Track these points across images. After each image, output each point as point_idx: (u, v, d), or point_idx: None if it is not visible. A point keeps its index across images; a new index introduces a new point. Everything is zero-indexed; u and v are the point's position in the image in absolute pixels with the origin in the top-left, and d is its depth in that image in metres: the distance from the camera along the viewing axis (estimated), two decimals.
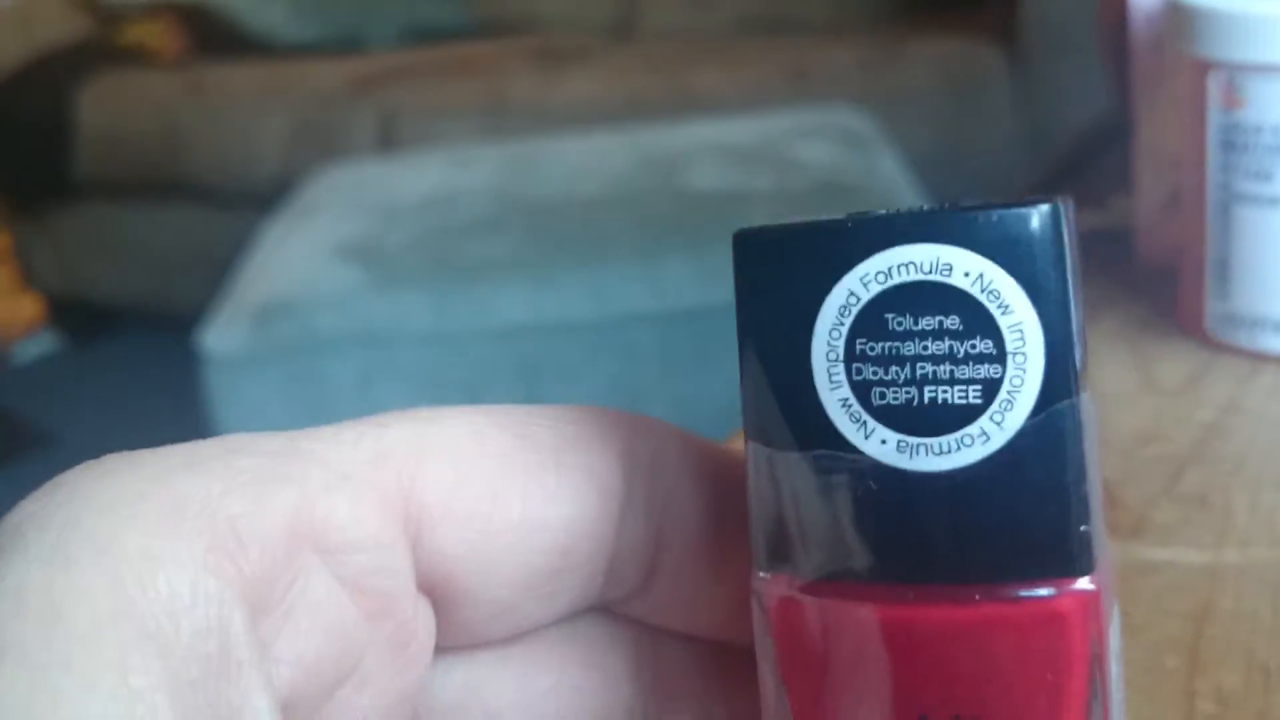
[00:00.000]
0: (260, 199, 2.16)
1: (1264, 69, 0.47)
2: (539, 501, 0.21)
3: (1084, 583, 0.18)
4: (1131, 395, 0.49)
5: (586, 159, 1.83)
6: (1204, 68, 0.48)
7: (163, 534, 0.17)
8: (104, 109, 2.70)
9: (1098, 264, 0.59)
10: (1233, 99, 0.48)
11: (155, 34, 2.91)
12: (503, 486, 0.20)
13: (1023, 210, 0.18)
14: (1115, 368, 0.51)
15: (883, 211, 0.19)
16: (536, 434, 0.21)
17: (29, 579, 0.16)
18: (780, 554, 0.20)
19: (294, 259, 1.63)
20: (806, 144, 1.77)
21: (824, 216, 0.19)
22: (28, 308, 2.84)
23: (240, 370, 1.51)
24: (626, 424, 0.22)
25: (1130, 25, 0.55)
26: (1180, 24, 0.49)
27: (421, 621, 0.21)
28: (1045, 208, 0.18)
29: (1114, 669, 0.19)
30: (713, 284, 1.48)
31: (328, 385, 1.53)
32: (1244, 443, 0.45)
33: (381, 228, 1.68)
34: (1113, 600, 0.20)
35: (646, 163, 1.78)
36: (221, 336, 1.51)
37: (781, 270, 0.20)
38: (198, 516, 0.17)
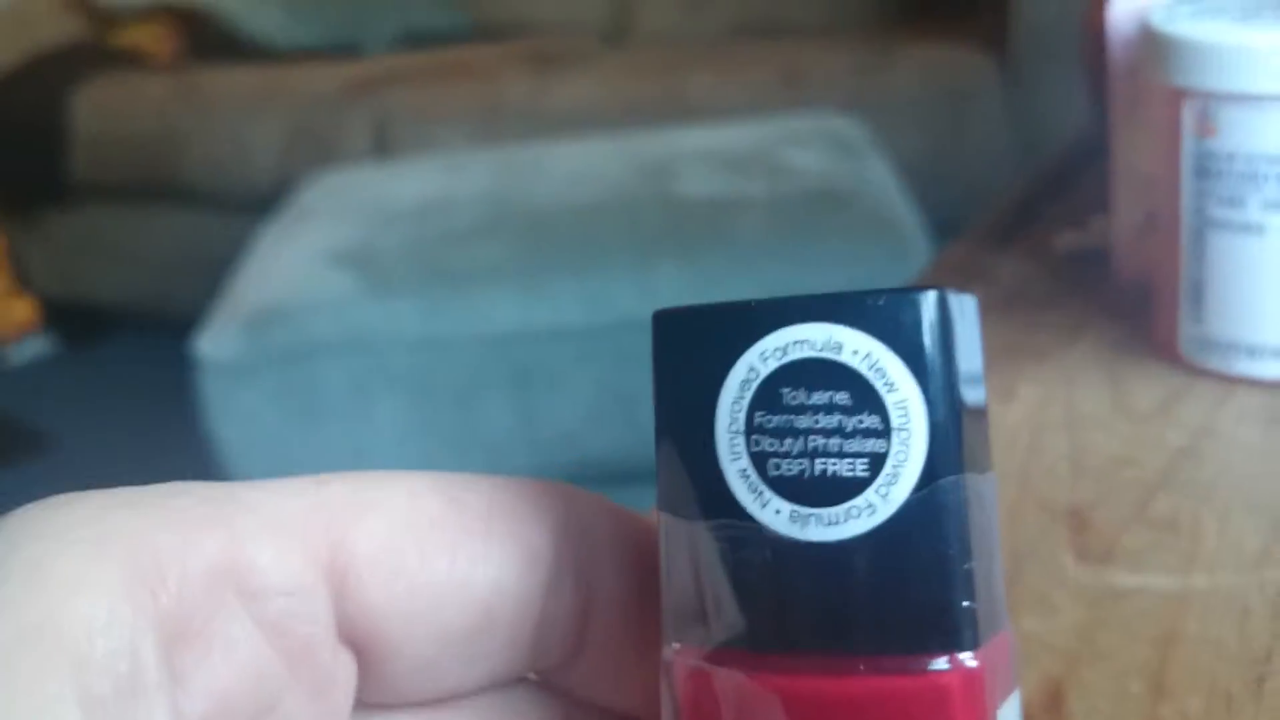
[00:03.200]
0: (255, 203, 2.17)
1: (1237, 98, 0.48)
2: (465, 562, 0.21)
3: (967, 659, 0.19)
4: (1105, 418, 0.49)
5: (580, 165, 1.84)
6: (1178, 95, 0.49)
7: (89, 561, 0.18)
8: (99, 112, 2.71)
9: (1076, 284, 0.60)
10: (1206, 127, 0.49)
11: (151, 37, 2.91)
12: (431, 545, 0.21)
13: (910, 295, 0.19)
14: (1089, 390, 0.51)
15: (785, 296, 0.20)
16: (470, 499, 0.22)
17: None
18: (688, 624, 0.21)
19: (288, 265, 1.63)
20: (798, 150, 1.78)
21: (739, 300, 0.20)
22: (22, 310, 2.85)
23: (234, 376, 1.52)
24: (559, 495, 0.22)
25: (1108, 50, 0.56)
26: (1155, 51, 0.50)
27: (342, 670, 0.21)
28: (932, 294, 0.19)
29: None
30: (704, 290, 1.49)
31: (321, 391, 1.53)
32: (1216, 467, 0.46)
33: (376, 234, 1.68)
34: (1013, 684, 0.20)
35: (639, 169, 1.78)
36: (215, 342, 1.52)
37: (692, 347, 0.21)
38: (123, 548, 0.19)
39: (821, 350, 0.19)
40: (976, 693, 0.19)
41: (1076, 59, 0.71)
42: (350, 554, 0.21)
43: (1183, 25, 0.49)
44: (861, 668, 0.19)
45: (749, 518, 0.20)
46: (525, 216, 1.69)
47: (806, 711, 0.19)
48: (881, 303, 0.19)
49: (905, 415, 0.19)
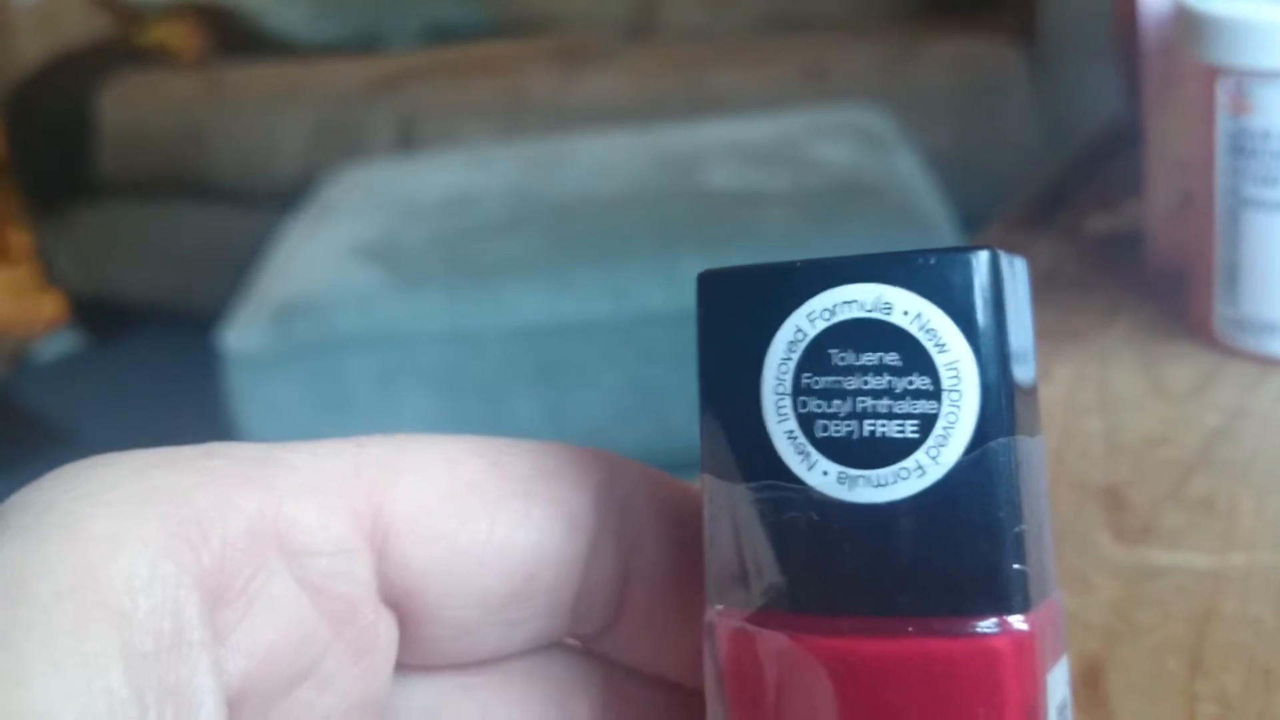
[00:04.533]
0: (280, 198, 2.17)
1: (1272, 75, 0.47)
2: (506, 526, 0.21)
3: (1017, 621, 0.19)
4: (1140, 399, 0.49)
5: (605, 159, 1.84)
6: (1212, 73, 0.49)
7: (129, 519, 0.18)
8: (125, 109, 2.72)
9: (1108, 268, 0.59)
10: (1241, 105, 0.48)
11: (176, 34, 2.92)
12: (471, 508, 0.21)
13: (962, 254, 0.19)
14: (1124, 371, 0.51)
15: (833, 256, 0.20)
16: (511, 462, 0.22)
17: (2, 554, 0.18)
18: (731, 587, 0.20)
19: (314, 259, 1.63)
20: (824, 143, 1.77)
21: (786, 260, 0.20)
22: (49, 306, 2.86)
23: (260, 369, 1.52)
24: (601, 461, 0.22)
25: (1140, 29, 0.56)
26: (1189, 29, 0.50)
27: (384, 631, 0.21)
28: (984, 254, 0.19)
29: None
30: None
31: (347, 384, 1.54)
32: (1251, 447, 0.46)
33: (401, 228, 1.68)
34: (1061, 649, 0.20)
35: (664, 162, 1.78)
36: (242, 336, 1.52)
37: (738, 308, 0.20)
38: (164, 506, 0.19)
39: (870, 310, 0.19)
40: (1027, 656, 0.19)
41: (1105, 50, 0.71)
42: (390, 516, 0.21)
43: (1216, 2, 0.49)
44: (909, 629, 0.19)
45: (796, 480, 0.20)
46: (551, 210, 1.69)
47: (851, 674, 0.19)
48: (933, 262, 0.19)
49: (956, 376, 0.19)
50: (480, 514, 0.21)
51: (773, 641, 0.20)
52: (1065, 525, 0.42)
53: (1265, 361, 0.50)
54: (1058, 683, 0.20)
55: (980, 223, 0.84)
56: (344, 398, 1.54)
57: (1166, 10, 0.54)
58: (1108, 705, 0.34)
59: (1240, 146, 0.48)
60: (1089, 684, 0.35)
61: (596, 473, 0.22)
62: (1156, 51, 0.55)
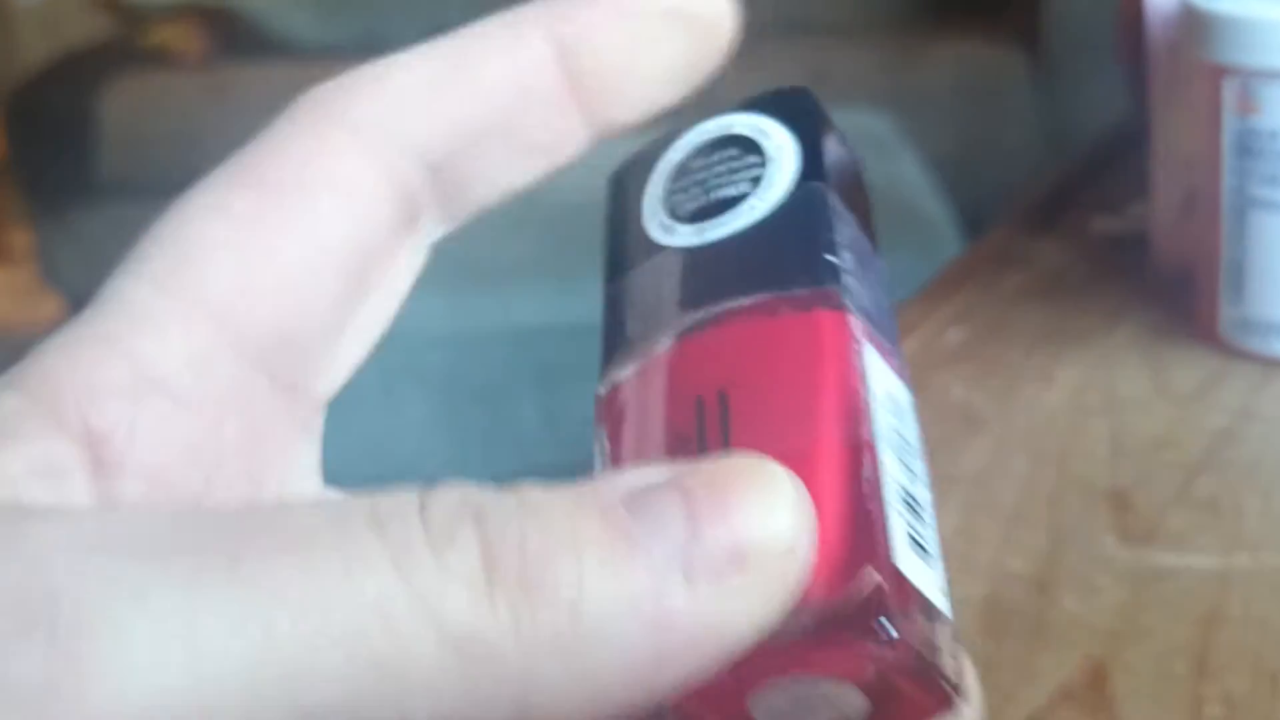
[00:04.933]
0: None
1: (1279, 75, 0.47)
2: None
3: (832, 289, 0.22)
4: (1146, 400, 0.49)
5: (607, 161, 1.83)
6: (1219, 73, 0.48)
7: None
8: (128, 110, 2.71)
9: (1114, 269, 0.59)
10: (1247, 105, 0.48)
11: (179, 36, 2.92)
12: None
13: (789, 91, 0.26)
14: (1129, 373, 0.51)
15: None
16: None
17: None
18: (613, 368, 0.24)
19: None
20: None
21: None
22: (49, 307, 2.86)
23: None
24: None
25: (1146, 30, 0.55)
26: (1196, 30, 0.49)
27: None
28: (803, 91, 0.26)
29: (887, 420, 0.22)
30: None
31: (347, 386, 1.53)
32: (1257, 448, 0.45)
33: None
34: (899, 362, 0.23)
35: None
36: None
37: (626, 180, 0.26)
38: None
39: (714, 131, 0.25)
40: (842, 333, 0.22)
41: (1109, 55, 0.71)
42: None
43: (1223, 2, 0.49)
44: (742, 309, 0.22)
45: (663, 247, 0.24)
46: (552, 213, 1.69)
47: (703, 342, 0.22)
48: (767, 95, 0.26)
49: (779, 149, 0.24)
50: None
51: (632, 378, 0.23)
52: (1071, 528, 0.42)
53: (1270, 363, 0.50)
54: (882, 371, 0.22)
55: (983, 225, 0.83)
56: (344, 399, 1.53)
57: (1173, 10, 0.54)
58: (1113, 708, 0.34)
59: (1247, 146, 0.48)
60: (1095, 686, 0.35)
61: None
62: (1162, 51, 0.55)
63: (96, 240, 2.81)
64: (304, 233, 0.23)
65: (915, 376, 0.23)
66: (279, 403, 0.24)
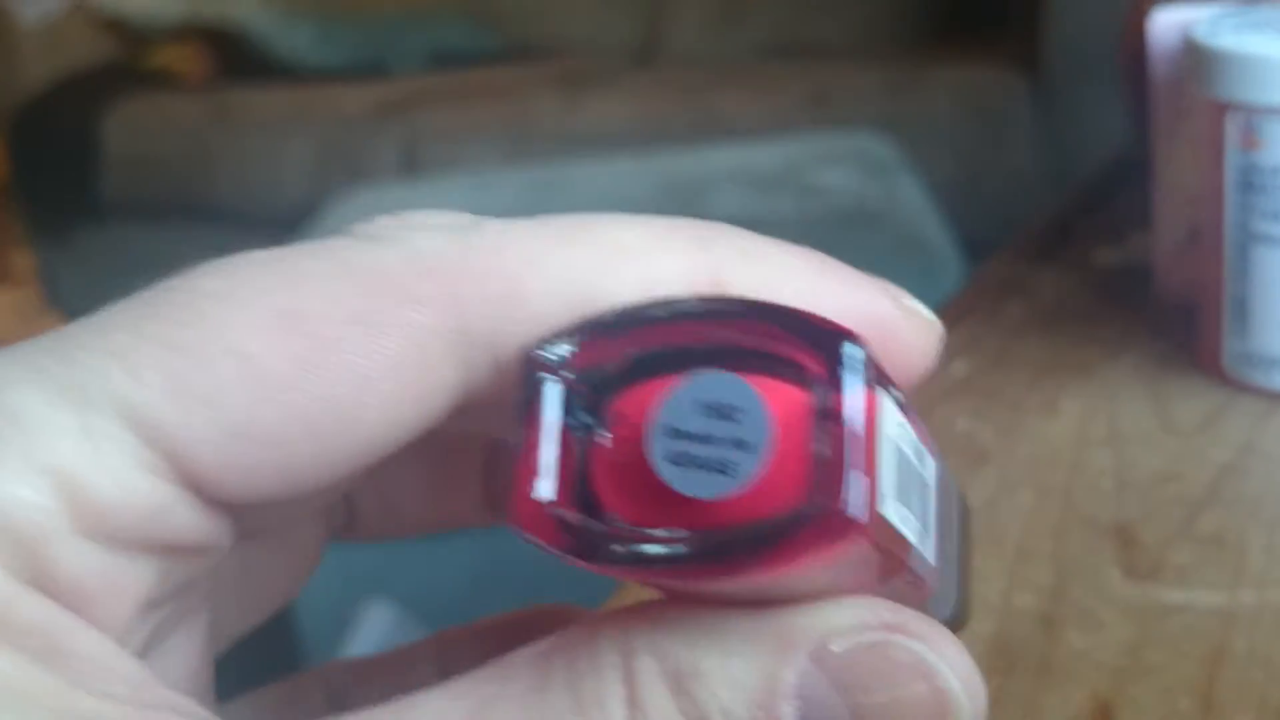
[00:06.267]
0: (285, 222, 2.17)
1: None
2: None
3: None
4: (1149, 434, 0.49)
5: (608, 185, 1.84)
6: (1222, 109, 0.49)
7: None
8: (130, 132, 2.72)
9: (1117, 300, 0.59)
10: (1250, 140, 0.48)
11: (182, 58, 2.92)
12: None
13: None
14: (1132, 406, 0.51)
15: None
16: None
17: None
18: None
19: None
20: (828, 170, 1.77)
21: None
22: (52, 328, 2.85)
23: None
24: None
25: (1150, 63, 0.56)
26: (1198, 65, 0.50)
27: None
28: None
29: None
30: None
31: None
32: (1261, 483, 0.46)
33: None
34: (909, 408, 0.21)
35: (668, 188, 1.78)
36: None
37: None
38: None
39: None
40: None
41: (1109, 78, 0.71)
42: None
43: (1226, 38, 0.49)
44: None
45: None
46: None
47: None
48: None
49: None
50: None
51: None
52: (1076, 562, 0.42)
53: (1274, 397, 0.50)
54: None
55: (983, 249, 0.83)
56: None
57: (1176, 45, 0.54)
58: None
59: (1250, 182, 0.48)
60: None
61: None
62: (1166, 86, 0.55)
63: (99, 261, 2.82)
64: None
65: (920, 410, 0.22)
66: None
